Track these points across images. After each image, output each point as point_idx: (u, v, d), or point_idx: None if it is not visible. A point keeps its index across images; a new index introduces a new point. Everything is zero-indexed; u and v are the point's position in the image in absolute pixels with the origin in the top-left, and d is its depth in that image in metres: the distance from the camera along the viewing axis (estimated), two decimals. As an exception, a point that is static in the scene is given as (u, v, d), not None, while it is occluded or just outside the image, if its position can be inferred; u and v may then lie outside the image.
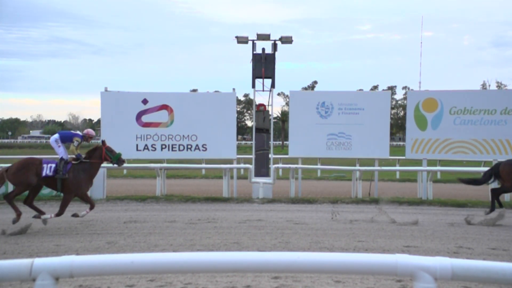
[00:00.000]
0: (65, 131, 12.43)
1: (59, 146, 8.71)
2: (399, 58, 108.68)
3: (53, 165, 8.41)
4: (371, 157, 13.81)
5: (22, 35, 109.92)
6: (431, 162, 14.26)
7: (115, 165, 9.27)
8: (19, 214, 8.14)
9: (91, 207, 8.63)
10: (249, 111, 69.20)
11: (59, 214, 8.43)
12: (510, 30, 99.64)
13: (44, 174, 8.30)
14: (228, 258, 3.02)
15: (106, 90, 13.15)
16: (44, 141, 68.22)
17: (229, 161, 13.61)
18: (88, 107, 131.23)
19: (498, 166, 9.60)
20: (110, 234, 7.83)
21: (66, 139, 8.86)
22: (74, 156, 8.69)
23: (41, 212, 8.45)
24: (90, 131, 9.23)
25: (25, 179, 8.21)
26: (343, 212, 9.99)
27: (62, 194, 8.70)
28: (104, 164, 9.81)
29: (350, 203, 11.90)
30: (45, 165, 8.36)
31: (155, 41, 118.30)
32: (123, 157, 9.33)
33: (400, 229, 8.44)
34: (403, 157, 14.39)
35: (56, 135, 8.95)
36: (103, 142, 9.06)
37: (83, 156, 8.73)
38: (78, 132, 9.49)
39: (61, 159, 8.53)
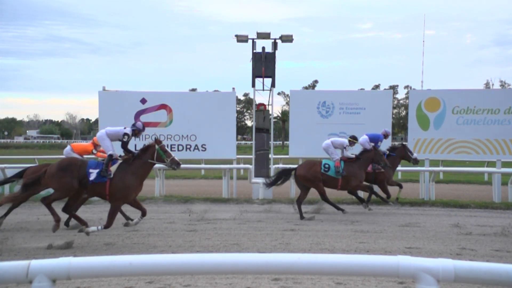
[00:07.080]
0: None
1: None
2: (400, 57, 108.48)
3: None
4: (372, 157, 13.70)
5: (19, 33, 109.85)
6: (434, 162, 14.18)
7: None
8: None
9: None
10: (249, 111, 69.12)
11: None
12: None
13: None
14: (227, 259, 2.98)
15: (104, 90, 13.10)
16: (49, 141, 68.45)
17: (229, 161, 13.54)
18: (85, 107, 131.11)
19: None
20: (108, 236, 7.76)
21: None
22: None
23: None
24: None
25: None
26: (344, 213, 9.92)
27: None
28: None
29: (351, 204, 11.82)
30: None
31: (153, 40, 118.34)
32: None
33: (401, 230, 8.37)
34: (405, 157, 14.28)
35: None
36: None
37: None
38: None
39: None
